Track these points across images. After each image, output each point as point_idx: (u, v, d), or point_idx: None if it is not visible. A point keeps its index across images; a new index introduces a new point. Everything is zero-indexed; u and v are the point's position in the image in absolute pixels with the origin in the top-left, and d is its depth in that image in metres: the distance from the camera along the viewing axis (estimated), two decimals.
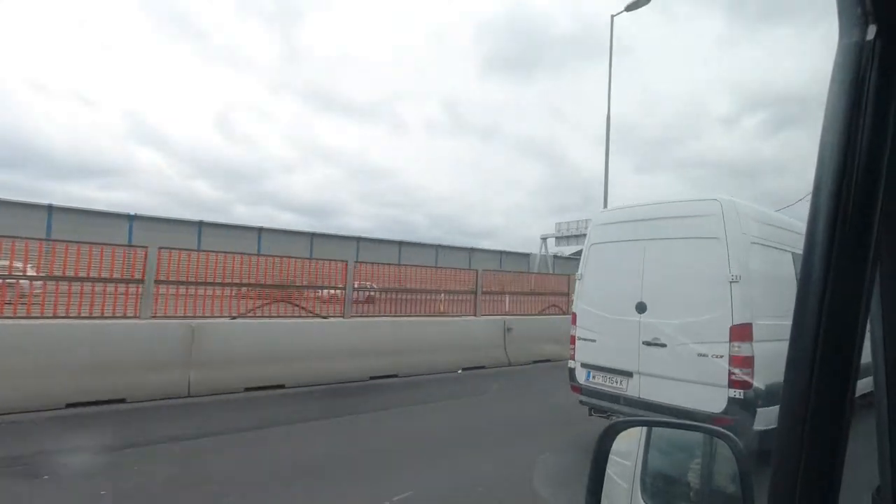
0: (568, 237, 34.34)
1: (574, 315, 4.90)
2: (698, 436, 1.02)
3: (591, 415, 4.63)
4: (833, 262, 0.47)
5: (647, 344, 4.06)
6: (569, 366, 4.85)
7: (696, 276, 3.83)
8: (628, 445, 1.18)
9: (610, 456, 1.03)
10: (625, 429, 1.01)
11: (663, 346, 3.96)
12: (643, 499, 1.16)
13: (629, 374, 4.18)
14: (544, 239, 37.36)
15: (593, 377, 4.55)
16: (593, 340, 4.63)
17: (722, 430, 0.89)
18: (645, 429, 1.14)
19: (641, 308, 4.17)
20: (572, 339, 4.84)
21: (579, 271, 4.95)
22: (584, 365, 4.66)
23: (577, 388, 4.68)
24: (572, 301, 5.43)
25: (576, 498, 1.02)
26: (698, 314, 3.77)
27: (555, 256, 39.09)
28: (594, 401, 4.49)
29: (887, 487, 0.53)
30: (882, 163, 0.46)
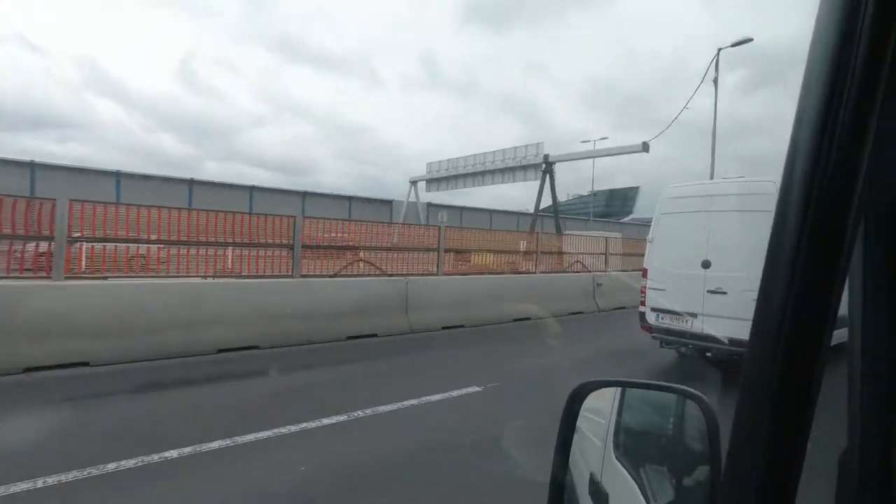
0: (439, 180, 28.78)
1: (645, 270, 6.27)
2: (671, 396, 1.01)
3: (662, 346, 6.21)
4: (810, 215, 0.43)
5: (711, 292, 5.31)
6: (640, 310, 6.28)
7: (751, 241, 4.71)
8: (603, 404, 1.19)
9: (585, 414, 1.03)
10: (596, 389, 1.00)
11: (724, 293, 5.22)
12: (615, 455, 1.17)
13: (694, 316, 5.50)
14: (413, 183, 31.42)
15: (661, 318, 5.93)
16: (663, 290, 5.94)
17: (692, 390, 0.88)
18: (619, 389, 1.14)
19: (706, 265, 5.41)
20: (643, 290, 6.23)
21: (650, 235, 6.26)
22: (653, 309, 6.03)
23: (648, 328, 6.11)
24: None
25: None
26: (753, 270, 4.46)
27: (428, 204, 33.91)
28: (664, 336, 5.91)
29: (854, 450, 0.52)
30: (870, 125, 0.42)
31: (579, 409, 0.98)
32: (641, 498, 1.01)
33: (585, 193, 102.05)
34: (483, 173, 27.56)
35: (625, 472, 1.11)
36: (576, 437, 1.03)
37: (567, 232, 21.95)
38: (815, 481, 0.53)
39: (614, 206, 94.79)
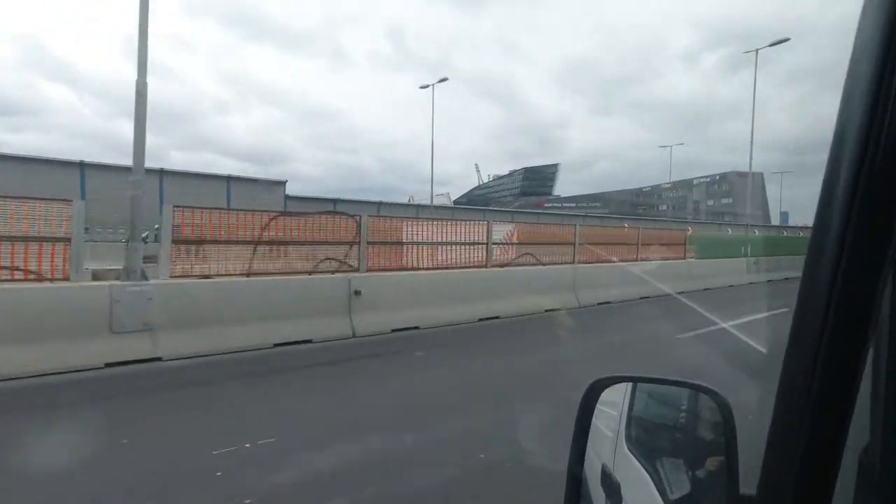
0: None
1: None
2: (682, 391, 1.03)
3: None
4: (853, 217, 0.43)
5: None
6: None
7: None
8: (615, 397, 1.20)
9: (598, 407, 1.05)
10: (609, 385, 1.01)
11: None
12: (627, 447, 1.19)
13: None
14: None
15: None
16: None
17: (706, 385, 0.89)
18: (630, 383, 1.15)
19: None
20: None
21: None
22: None
23: None
24: None
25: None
26: None
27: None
28: None
29: (877, 446, 0.53)
30: None
31: (595, 404, 0.99)
32: (653, 488, 1.03)
33: (504, 173, 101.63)
34: None
35: (637, 463, 1.13)
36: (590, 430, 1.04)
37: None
38: (837, 478, 0.54)
39: (534, 184, 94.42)
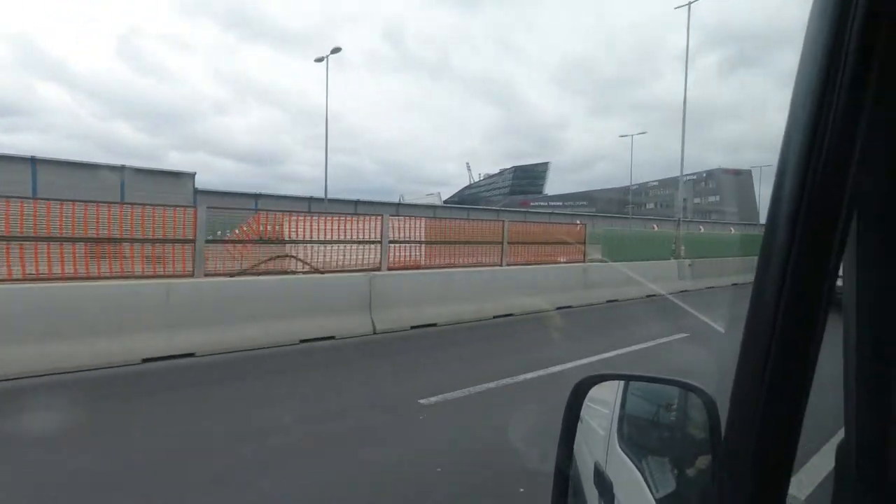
0: None
1: None
2: (673, 389, 1.03)
3: None
4: (803, 209, 0.44)
5: None
6: None
7: None
8: (607, 395, 1.21)
9: (590, 405, 1.05)
10: (599, 382, 1.02)
11: None
12: (619, 446, 1.19)
13: None
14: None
15: None
16: None
17: (694, 383, 0.90)
18: (622, 382, 1.15)
19: None
20: None
21: None
22: None
23: None
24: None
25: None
26: None
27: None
28: None
29: (851, 442, 0.53)
30: (861, 119, 0.42)
31: (582, 401, 0.99)
32: (645, 487, 1.03)
33: (495, 172, 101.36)
34: None
35: (629, 461, 1.13)
36: (581, 427, 1.05)
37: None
38: (814, 474, 0.54)
39: (524, 183, 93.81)
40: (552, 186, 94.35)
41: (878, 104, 0.42)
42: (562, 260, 12.08)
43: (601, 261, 12.80)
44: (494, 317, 8.59)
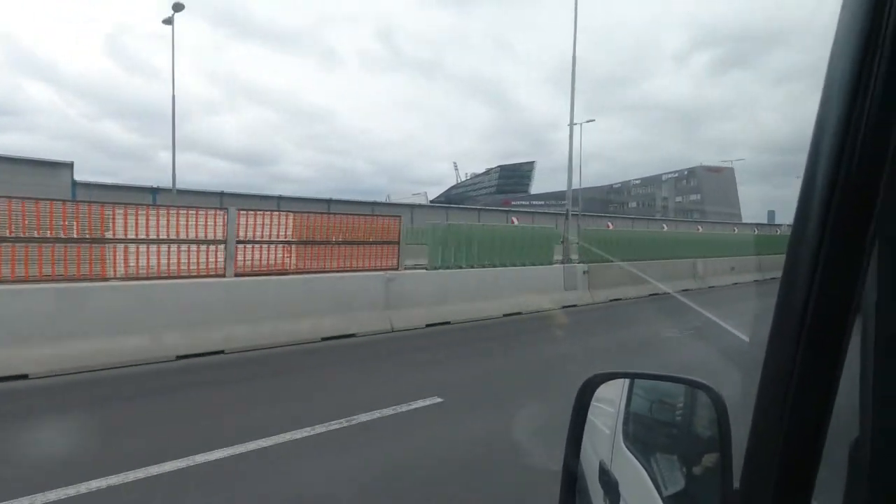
0: None
1: None
2: (679, 387, 1.03)
3: None
4: (829, 226, 0.43)
5: None
6: None
7: None
8: (612, 394, 1.20)
9: (595, 404, 1.05)
10: (606, 381, 1.02)
11: None
12: (625, 444, 1.19)
13: None
14: None
15: None
16: None
17: (701, 381, 0.89)
18: (627, 380, 1.15)
19: None
20: None
21: None
22: None
23: None
24: None
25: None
26: None
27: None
28: None
29: (866, 440, 0.53)
30: (893, 120, 0.41)
31: (590, 400, 0.99)
32: (651, 485, 1.03)
33: (481, 172, 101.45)
34: None
35: (634, 460, 1.13)
36: (586, 426, 1.05)
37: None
38: (827, 473, 0.54)
39: (509, 183, 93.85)
40: (544, 185, 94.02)
41: None
42: (362, 266, 8.31)
43: (433, 268, 9.10)
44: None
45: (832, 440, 0.62)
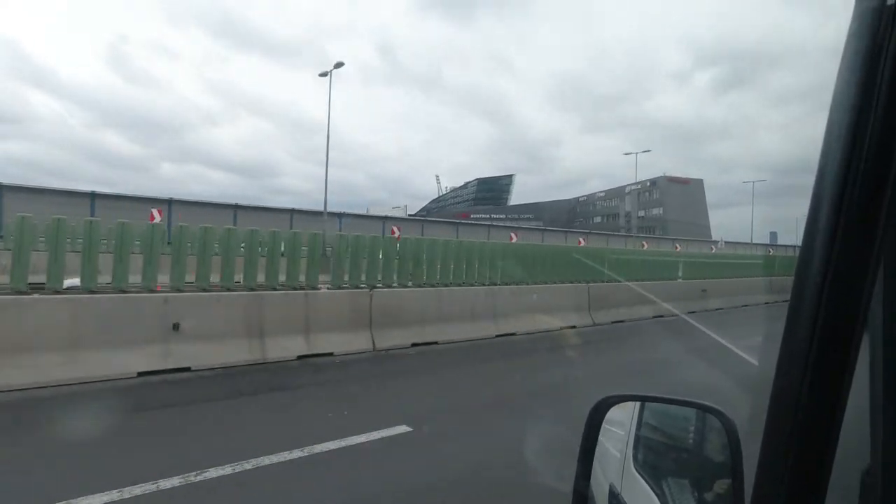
0: None
1: None
2: (689, 410, 1.03)
3: None
4: (836, 246, 0.45)
5: None
6: None
7: None
8: (622, 416, 1.20)
9: (605, 427, 1.05)
10: (617, 403, 1.02)
11: None
12: (635, 468, 1.19)
13: None
14: None
15: None
16: None
17: (712, 405, 0.90)
18: (638, 402, 1.15)
19: None
20: None
21: None
22: None
23: None
24: None
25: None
26: None
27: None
28: None
29: (878, 468, 0.53)
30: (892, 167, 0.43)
31: (601, 421, 1.00)
32: None
33: (460, 185, 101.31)
34: None
35: (644, 483, 1.12)
36: (596, 449, 1.05)
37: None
38: (838, 500, 0.55)
39: (488, 196, 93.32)
40: (530, 199, 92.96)
41: None
42: None
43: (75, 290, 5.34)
44: None
45: (843, 466, 0.63)
